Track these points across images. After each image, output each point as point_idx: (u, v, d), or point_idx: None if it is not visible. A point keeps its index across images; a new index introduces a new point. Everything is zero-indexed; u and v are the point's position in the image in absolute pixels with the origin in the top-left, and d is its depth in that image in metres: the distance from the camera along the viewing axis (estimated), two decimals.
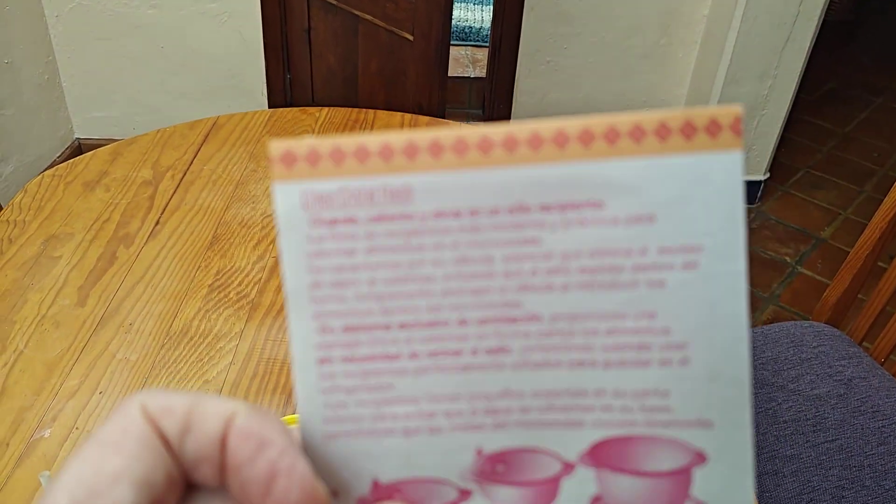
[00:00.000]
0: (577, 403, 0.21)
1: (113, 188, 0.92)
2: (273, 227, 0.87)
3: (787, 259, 1.92)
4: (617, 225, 0.20)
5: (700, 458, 0.20)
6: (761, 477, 0.85)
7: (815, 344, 1.01)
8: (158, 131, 1.04)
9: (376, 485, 0.21)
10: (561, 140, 0.20)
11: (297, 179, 0.20)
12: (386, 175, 0.20)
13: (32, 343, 0.71)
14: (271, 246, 0.84)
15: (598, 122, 0.19)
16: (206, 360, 0.70)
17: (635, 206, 0.20)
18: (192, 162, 0.98)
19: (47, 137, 1.98)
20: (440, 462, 0.21)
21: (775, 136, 1.97)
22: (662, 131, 0.20)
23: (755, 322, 1.72)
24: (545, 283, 0.20)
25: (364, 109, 1.12)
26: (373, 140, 0.20)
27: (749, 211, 2.08)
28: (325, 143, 0.20)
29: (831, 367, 0.97)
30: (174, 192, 0.92)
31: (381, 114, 1.11)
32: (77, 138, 2.09)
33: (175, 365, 0.69)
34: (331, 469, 0.21)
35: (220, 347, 0.71)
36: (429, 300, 0.20)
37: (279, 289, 0.78)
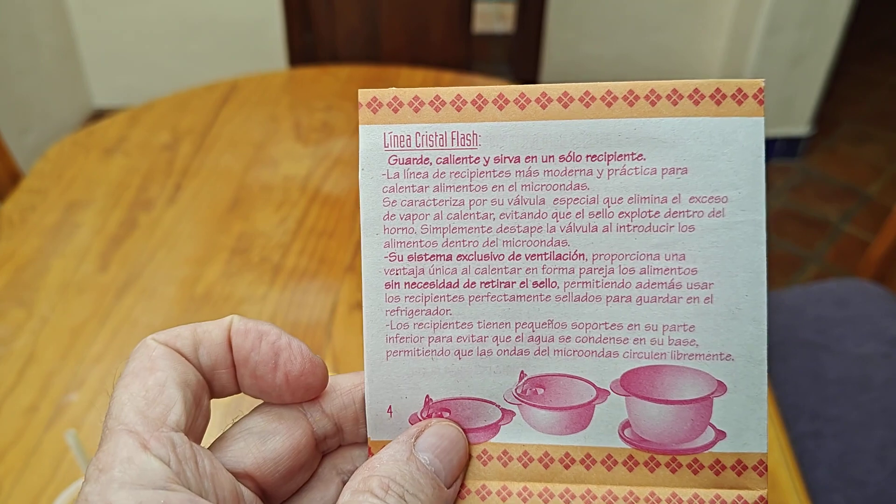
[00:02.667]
0: (613, 335, 0.23)
1: (132, 153, 0.91)
2: (293, 191, 0.85)
3: (832, 218, 1.85)
4: (654, 175, 0.22)
5: (721, 388, 0.23)
6: (802, 438, 0.83)
7: (859, 302, 0.97)
8: (176, 94, 1.02)
9: (428, 401, 0.23)
10: (609, 99, 0.23)
11: (380, 123, 0.23)
12: (456, 123, 0.23)
13: (58, 309, 0.70)
14: (293, 209, 0.82)
15: (641, 84, 0.23)
16: None
17: (671, 159, 0.22)
18: (211, 125, 0.96)
19: (67, 106, 1.99)
20: (487, 383, 0.23)
21: (818, 88, 1.89)
22: (696, 96, 0.22)
23: (798, 282, 1.67)
24: (590, 225, 0.22)
25: (386, 67, 1.09)
26: (447, 92, 0.23)
27: (790, 167, 2.01)
28: (406, 93, 0.23)
29: (877, 326, 0.93)
30: (194, 156, 0.90)
31: (405, 71, 1.08)
32: (98, 106, 2.09)
33: None
34: (389, 384, 0.23)
35: (244, 311, 0.70)
36: (486, 235, 0.23)
37: (302, 252, 0.76)
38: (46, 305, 0.71)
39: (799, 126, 1.97)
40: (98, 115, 2.08)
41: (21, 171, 1.00)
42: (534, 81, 2.08)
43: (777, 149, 2.00)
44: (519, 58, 2.10)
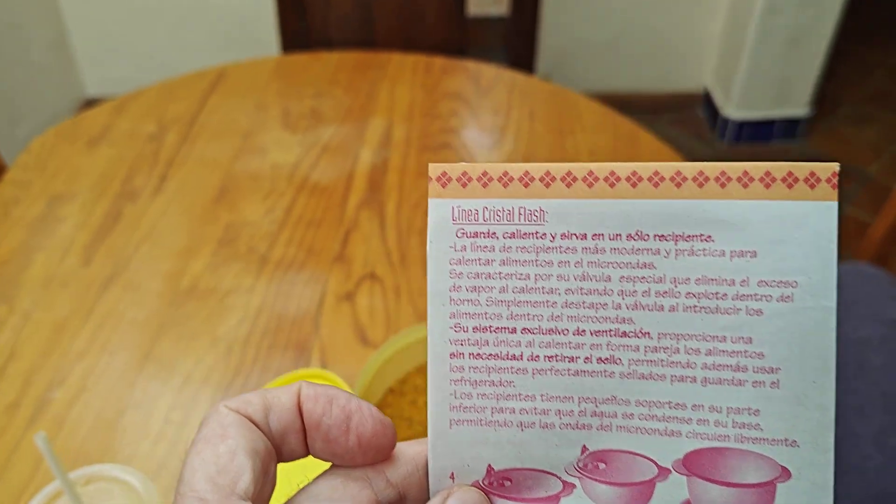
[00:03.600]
0: (676, 415, 0.23)
1: (117, 143, 0.89)
2: (281, 180, 0.83)
3: None
4: (723, 257, 0.22)
5: (785, 474, 0.22)
6: None
7: (857, 284, 0.96)
8: (164, 82, 1.01)
9: (490, 470, 0.24)
10: (678, 179, 0.23)
11: (448, 197, 0.23)
12: (524, 199, 0.23)
13: (40, 305, 0.69)
14: (280, 198, 0.81)
15: (711, 166, 0.22)
16: (215, 316, 0.67)
17: (740, 242, 0.22)
18: (198, 113, 0.94)
19: (60, 97, 1.97)
20: (549, 455, 0.24)
21: (818, 68, 1.87)
22: (767, 179, 0.22)
23: None
24: (656, 304, 0.23)
25: (377, 52, 1.07)
26: (515, 168, 0.23)
27: (789, 149, 1.99)
28: (475, 168, 0.23)
29: (874, 309, 0.92)
30: (180, 146, 0.89)
31: (396, 56, 1.06)
32: (90, 96, 2.07)
33: (184, 323, 0.67)
34: (452, 452, 0.24)
35: (230, 303, 0.68)
36: (551, 310, 0.23)
37: (289, 242, 0.75)
38: (29, 301, 0.69)
39: (798, 107, 1.95)
40: (90, 105, 2.06)
41: (6, 164, 0.99)
42: (530, 65, 2.06)
43: (776, 130, 1.98)
44: (514, 41, 2.08)
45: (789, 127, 1.98)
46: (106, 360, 0.64)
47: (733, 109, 1.94)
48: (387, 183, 0.83)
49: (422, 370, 0.54)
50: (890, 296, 0.93)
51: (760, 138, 1.99)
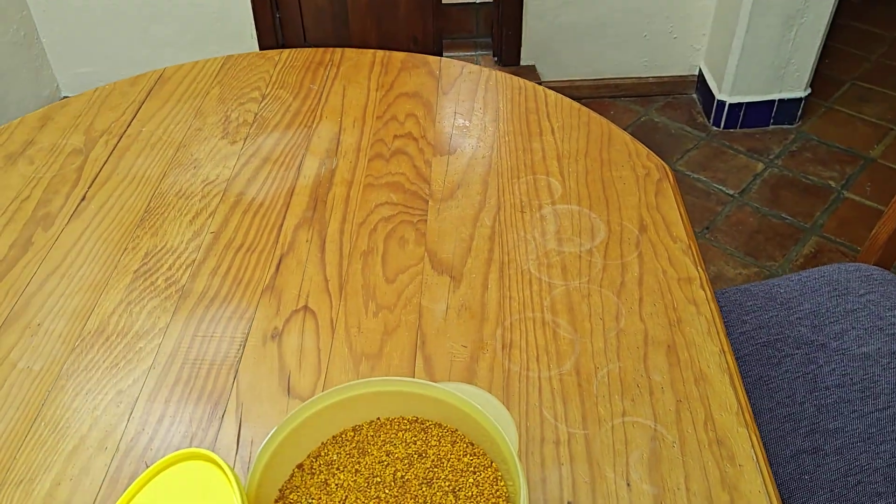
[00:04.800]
0: None
1: (37, 159, 0.81)
2: (213, 197, 0.75)
3: (832, 183, 1.74)
4: None
5: None
6: (799, 455, 0.73)
7: (862, 291, 0.87)
8: (97, 90, 0.92)
9: None
10: None
11: None
12: None
13: None
14: (209, 219, 0.72)
15: None
16: (121, 364, 0.59)
17: None
18: (129, 123, 0.86)
19: (32, 98, 1.88)
20: None
21: (816, 46, 1.76)
22: None
23: (795, 257, 1.57)
24: None
25: (330, 49, 0.98)
26: None
27: (788, 132, 1.89)
28: None
29: (882, 319, 0.83)
30: (106, 161, 0.80)
31: (350, 52, 0.97)
32: (65, 97, 1.98)
33: (85, 373, 0.58)
34: None
35: (140, 348, 0.60)
36: None
37: (214, 272, 0.66)
38: None
39: (795, 89, 1.85)
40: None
41: None
42: (515, 52, 1.96)
43: (774, 114, 1.88)
44: (498, 28, 1.98)
45: (787, 109, 1.87)
46: None
47: (728, 93, 1.84)
48: (331, 197, 0.74)
49: (338, 440, 0.46)
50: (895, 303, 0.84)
51: (757, 123, 1.89)
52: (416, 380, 0.47)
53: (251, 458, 0.52)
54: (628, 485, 0.50)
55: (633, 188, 0.74)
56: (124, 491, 0.49)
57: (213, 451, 0.45)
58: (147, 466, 0.51)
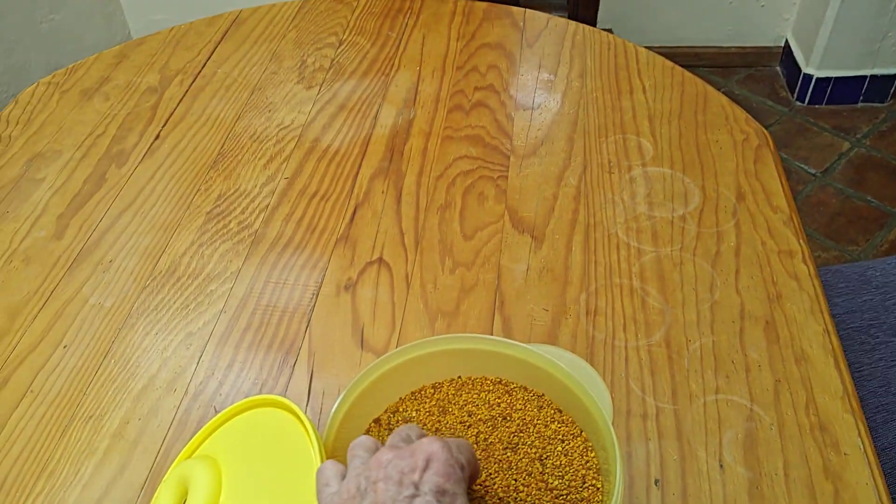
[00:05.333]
0: None
1: (113, 96, 0.80)
2: (288, 142, 0.73)
3: None
4: None
5: None
6: (892, 448, 0.68)
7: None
8: (172, 29, 0.90)
9: None
10: None
11: None
12: None
13: None
14: (284, 164, 0.70)
15: None
16: (192, 307, 0.57)
17: None
18: (204, 64, 0.84)
19: (104, 44, 1.89)
20: None
21: None
22: None
23: (880, 243, 1.48)
24: None
25: None
26: None
27: (878, 111, 1.78)
28: None
29: None
30: (180, 101, 0.78)
31: (431, 0, 0.93)
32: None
33: (155, 313, 0.57)
34: None
35: (211, 291, 0.58)
36: None
37: (288, 218, 0.64)
38: None
39: (890, 65, 1.74)
40: None
41: None
42: (592, 15, 1.89)
43: (864, 90, 1.77)
44: None
45: (879, 86, 1.76)
46: (58, 356, 0.54)
47: (815, 66, 1.74)
48: (408, 148, 0.71)
49: (417, 396, 0.43)
50: None
51: (845, 100, 1.79)
52: (502, 338, 0.44)
53: (322, 410, 0.50)
54: (721, 466, 0.46)
55: (730, 153, 0.69)
56: (192, 434, 0.48)
57: None
58: (216, 411, 0.49)
